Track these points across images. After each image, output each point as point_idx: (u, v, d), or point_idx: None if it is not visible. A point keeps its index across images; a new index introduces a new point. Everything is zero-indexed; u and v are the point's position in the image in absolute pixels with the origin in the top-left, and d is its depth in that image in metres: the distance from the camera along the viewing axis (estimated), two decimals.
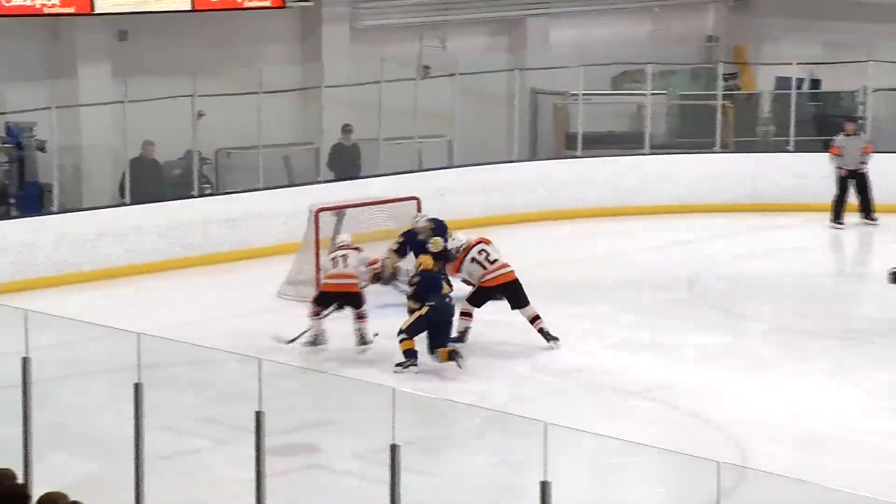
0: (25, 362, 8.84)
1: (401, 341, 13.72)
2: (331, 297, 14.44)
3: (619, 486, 11.00)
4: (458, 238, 14.89)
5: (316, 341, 14.35)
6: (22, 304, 12.46)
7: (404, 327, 13.78)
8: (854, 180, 19.55)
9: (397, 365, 13.65)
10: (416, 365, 13.62)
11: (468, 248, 14.63)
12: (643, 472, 11.08)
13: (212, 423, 11.91)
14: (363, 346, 14.30)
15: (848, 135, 19.64)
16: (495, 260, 14.58)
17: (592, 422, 12.14)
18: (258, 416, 8.00)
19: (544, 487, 7.12)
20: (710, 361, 14.24)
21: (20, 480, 7.92)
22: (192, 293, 16.70)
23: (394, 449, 7.49)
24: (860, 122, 19.81)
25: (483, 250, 14.62)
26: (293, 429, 11.64)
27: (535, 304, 15.47)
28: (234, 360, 12.99)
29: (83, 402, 12.20)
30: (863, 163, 19.51)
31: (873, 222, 19.51)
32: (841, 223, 19.45)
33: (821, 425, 12.39)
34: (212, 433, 11.60)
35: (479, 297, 14.60)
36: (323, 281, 14.73)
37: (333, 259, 14.57)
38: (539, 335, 14.39)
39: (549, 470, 7.13)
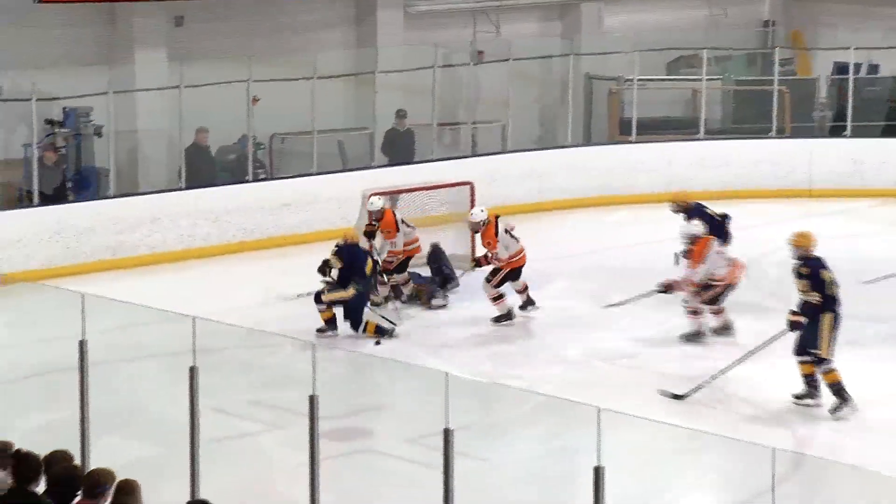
0: (82, 345, 8.92)
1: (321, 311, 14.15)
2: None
3: (673, 473, 10.98)
4: (476, 213, 15.08)
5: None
6: (78, 287, 12.58)
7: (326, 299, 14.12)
8: None
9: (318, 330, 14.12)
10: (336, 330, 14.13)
11: (493, 222, 14.81)
12: (697, 458, 11.06)
13: (265, 406, 11.97)
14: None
15: None
16: (519, 241, 14.89)
17: (645, 407, 12.15)
18: (312, 399, 8.03)
19: (597, 473, 7.12)
20: (765, 347, 14.15)
21: (77, 462, 8.02)
22: (246, 277, 16.78)
23: (447, 433, 7.50)
24: None
25: (507, 225, 14.87)
26: (346, 413, 11.71)
27: (589, 288, 15.51)
28: (288, 344, 13.10)
29: (139, 385, 12.31)
30: None
31: None
32: None
33: (878, 412, 12.30)
34: (265, 417, 11.67)
35: (506, 279, 14.79)
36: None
37: None
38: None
39: (602, 455, 7.12)
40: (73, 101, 17.99)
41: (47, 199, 17.19)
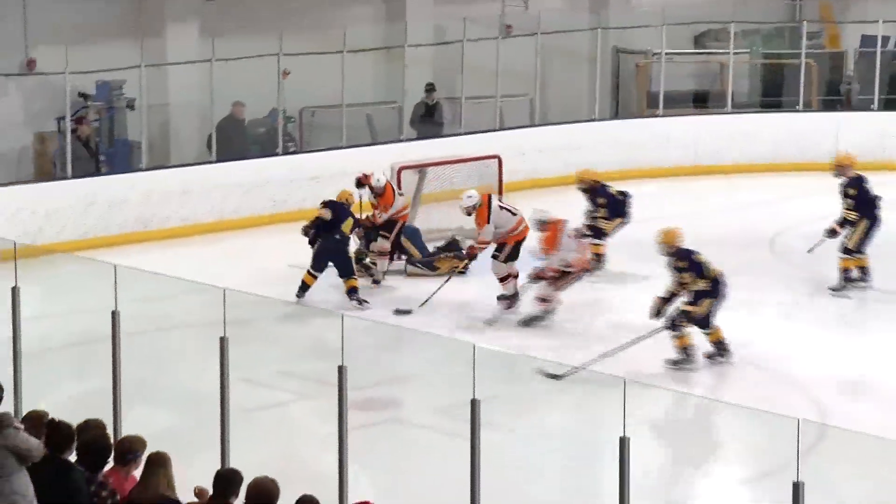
0: (114, 316, 9.04)
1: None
2: None
3: (699, 443, 11.06)
4: (472, 195, 14.73)
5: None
6: (111, 259, 12.72)
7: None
8: None
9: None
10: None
11: (486, 203, 14.47)
12: (723, 428, 11.13)
13: (295, 377, 12.10)
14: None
15: None
16: (518, 214, 14.57)
17: (671, 379, 12.24)
18: (341, 370, 8.13)
19: (623, 443, 7.19)
20: (791, 320, 14.24)
21: (109, 431, 8.16)
22: (277, 249, 16.88)
23: (474, 404, 7.59)
24: None
25: (501, 201, 14.61)
26: (375, 383, 11.82)
27: (617, 261, 15.58)
28: (318, 315, 13.21)
29: (169, 355, 12.45)
30: None
31: None
32: None
33: None
34: (294, 387, 11.79)
35: (513, 253, 14.50)
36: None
37: None
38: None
39: (627, 426, 7.20)
40: (105, 75, 18.10)
41: (80, 172, 17.35)
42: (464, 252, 15.31)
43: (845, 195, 15.20)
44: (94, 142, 17.87)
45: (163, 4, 19.08)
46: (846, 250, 15.06)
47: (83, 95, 18.05)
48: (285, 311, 14.04)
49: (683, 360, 12.67)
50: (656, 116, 21.09)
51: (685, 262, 12.96)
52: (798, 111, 21.19)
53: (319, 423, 10.98)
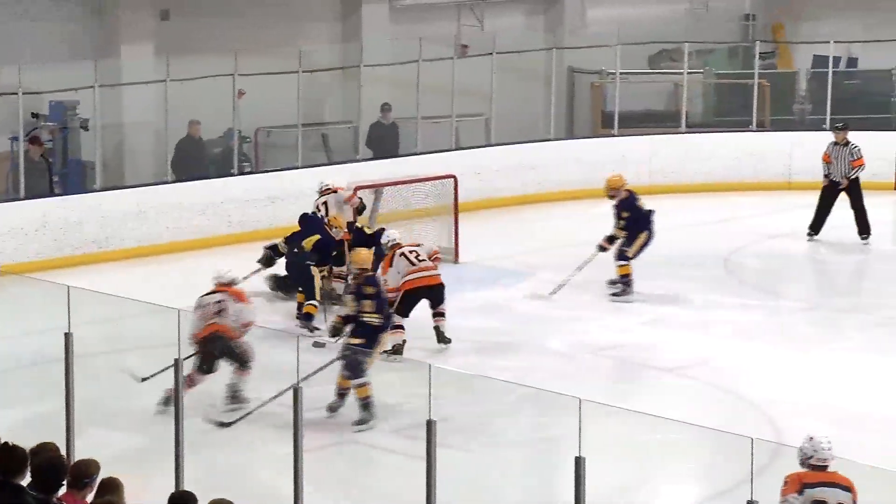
0: (67, 338, 8.99)
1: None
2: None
3: (654, 462, 11.09)
4: (391, 235, 14.08)
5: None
6: (65, 280, 12.64)
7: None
8: (846, 194, 17.53)
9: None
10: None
11: (399, 246, 13.79)
12: (678, 448, 11.17)
13: (251, 398, 12.04)
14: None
15: (836, 143, 17.63)
16: (423, 260, 13.69)
17: (627, 398, 12.28)
18: (296, 391, 8.12)
19: (578, 463, 7.21)
20: (745, 339, 14.31)
21: (62, 454, 8.09)
22: (234, 270, 16.82)
23: (430, 424, 7.59)
24: (847, 129, 17.60)
25: (413, 250, 13.78)
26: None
27: (573, 280, 15.62)
28: (273, 336, 13.18)
29: (124, 377, 12.37)
30: (847, 177, 17.44)
31: (864, 242, 17.47)
32: (810, 234, 17.71)
33: (856, 403, 12.43)
34: (250, 408, 11.73)
35: (405, 302, 13.54)
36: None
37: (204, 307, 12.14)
38: (434, 331, 13.69)
39: (583, 446, 7.22)
40: (59, 95, 18.04)
41: (33, 192, 17.25)
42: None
43: (619, 216, 15.48)
44: (48, 162, 17.78)
45: (118, 24, 19.03)
46: (625, 257, 15.36)
47: (36, 115, 17.96)
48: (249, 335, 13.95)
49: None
50: (611, 136, 21.19)
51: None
52: (751, 131, 21.34)
53: (275, 445, 10.94)
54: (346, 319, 12.33)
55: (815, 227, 17.59)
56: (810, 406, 12.30)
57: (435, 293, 13.73)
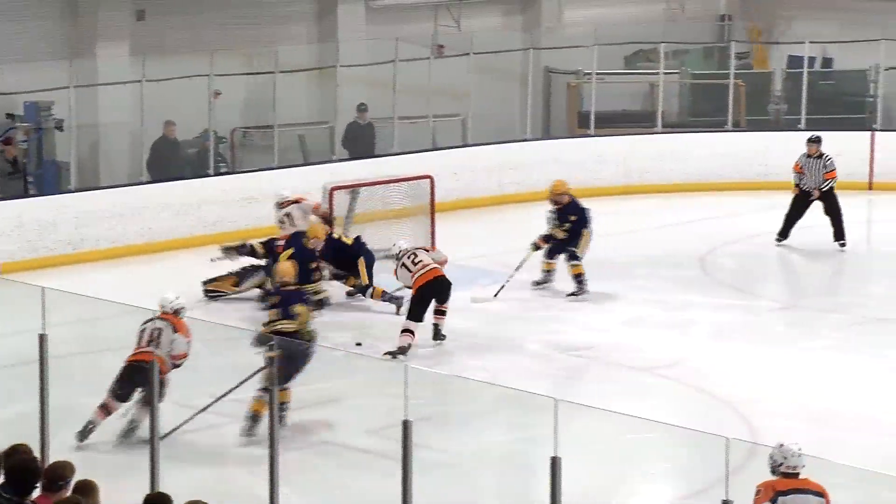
0: (42, 339, 8.96)
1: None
2: None
3: (630, 462, 11.11)
4: (400, 245, 14.22)
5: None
6: (40, 281, 12.61)
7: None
8: (821, 202, 17.49)
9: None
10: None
11: (402, 255, 13.99)
12: (653, 448, 11.19)
13: (226, 399, 12.01)
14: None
15: (809, 155, 17.56)
16: (419, 262, 13.88)
17: (604, 398, 12.26)
18: (271, 393, 8.11)
19: (554, 463, 7.22)
20: (722, 338, 14.35)
21: (36, 455, 8.06)
22: (209, 271, 16.81)
23: (406, 425, 7.59)
24: (820, 142, 17.58)
25: (412, 254, 13.97)
26: (306, 406, 11.77)
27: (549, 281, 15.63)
28: (249, 337, 13.13)
29: (99, 378, 12.33)
30: (820, 189, 17.41)
31: (841, 248, 17.44)
32: (778, 240, 17.65)
33: (832, 402, 12.48)
34: (226, 410, 11.71)
35: (415, 306, 13.80)
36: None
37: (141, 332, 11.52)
38: (432, 328, 13.89)
39: (559, 446, 7.23)
40: (34, 96, 17.97)
41: (8, 193, 17.17)
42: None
43: (566, 220, 15.60)
44: (22, 163, 17.71)
45: (93, 25, 18.97)
46: (576, 257, 15.50)
47: (11, 116, 17.90)
48: (216, 334, 13.93)
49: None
50: (588, 136, 21.21)
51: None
52: (727, 131, 21.39)
53: (251, 447, 10.93)
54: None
55: (784, 233, 17.61)
56: (786, 405, 12.34)
57: (439, 287, 13.84)
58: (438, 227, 17.18)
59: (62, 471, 7.66)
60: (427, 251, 14.51)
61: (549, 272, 15.76)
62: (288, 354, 10.51)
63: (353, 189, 16.95)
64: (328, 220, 15.66)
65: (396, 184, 17.31)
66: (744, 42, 23.79)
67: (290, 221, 15.50)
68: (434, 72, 20.17)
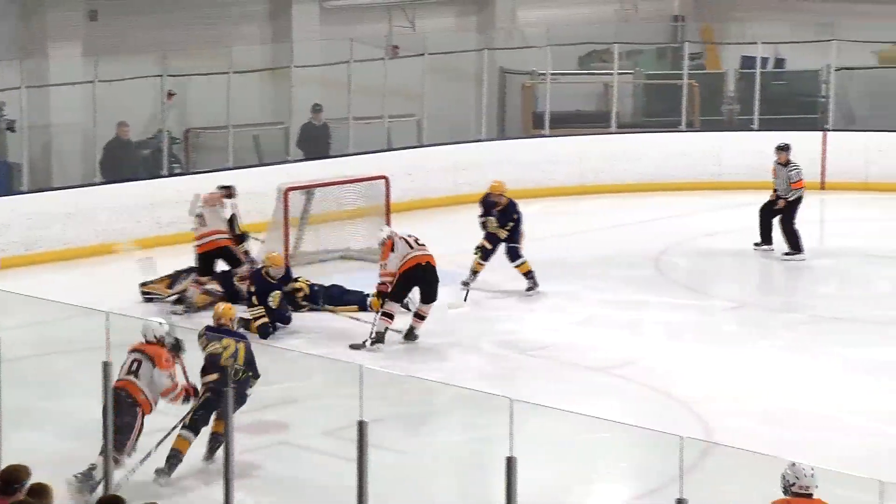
0: None
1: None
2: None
3: (585, 462, 11.15)
4: (385, 230, 14.57)
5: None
6: None
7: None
8: (780, 209, 17.25)
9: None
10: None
11: (389, 243, 14.12)
12: (609, 447, 11.23)
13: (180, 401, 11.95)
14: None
15: (779, 163, 17.34)
16: (422, 245, 14.14)
17: (559, 398, 12.28)
18: (227, 393, 8.09)
19: (510, 463, 7.24)
20: (676, 338, 14.42)
21: None
22: (162, 272, 16.73)
23: (361, 425, 7.59)
24: (790, 149, 17.27)
25: (411, 235, 14.27)
26: (261, 406, 11.74)
27: (502, 281, 15.65)
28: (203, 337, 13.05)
29: (52, 380, 12.28)
30: (786, 198, 17.17)
31: (784, 257, 17.25)
32: (757, 245, 17.47)
33: (785, 401, 12.56)
34: (180, 412, 11.66)
35: (400, 285, 13.99)
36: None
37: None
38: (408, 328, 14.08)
39: (515, 446, 7.25)
40: None
41: None
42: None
43: (509, 219, 15.67)
44: None
45: (45, 24, 18.85)
46: (520, 254, 15.71)
47: None
48: (171, 335, 13.87)
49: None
50: (542, 136, 21.26)
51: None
52: (681, 131, 21.50)
53: (205, 447, 10.88)
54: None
55: (765, 239, 17.45)
56: (739, 404, 12.42)
57: (428, 278, 14.02)
58: (394, 227, 17.14)
59: (17, 474, 7.62)
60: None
61: (476, 273, 15.73)
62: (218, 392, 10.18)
63: (308, 190, 16.92)
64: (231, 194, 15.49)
65: (351, 184, 17.29)
66: (697, 42, 23.91)
67: (200, 222, 15.35)
68: (389, 72, 20.16)
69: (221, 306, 11.78)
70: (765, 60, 22.21)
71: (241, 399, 10.29)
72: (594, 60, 23.30)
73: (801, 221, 17.54)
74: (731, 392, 12.76)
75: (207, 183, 18.57)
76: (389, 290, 13.97)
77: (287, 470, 11.11)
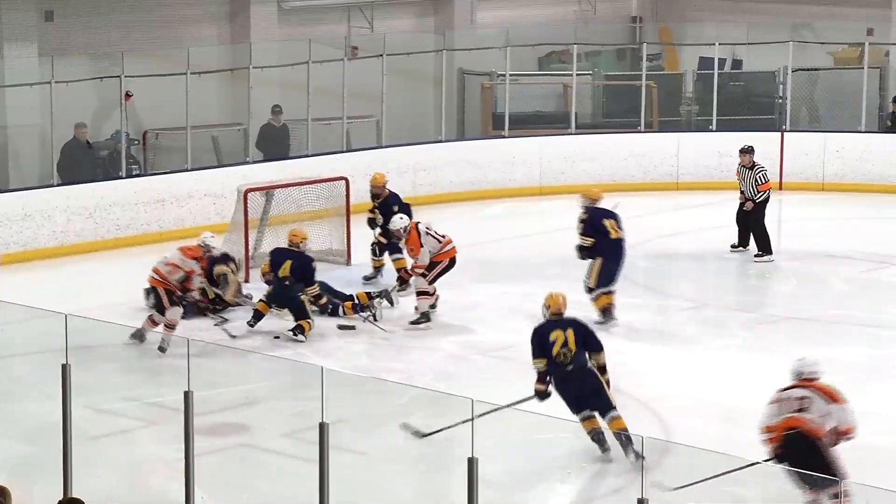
0: None
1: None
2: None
3: (546, 462, 11.17)
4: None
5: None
6: None
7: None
8: (750, 212, 17.19)
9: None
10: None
11: (414, 228, 14.76)
12: (569, 447, 11.26)
13: (140, 403, 11.94)
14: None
15: (743, 165, 17.30)
16: (444, 235, 14.84)
17: (519, 398, 12.33)
18: (187, 395, 8.07)
19: (471, 464, 7.25)
20: (634, 337, 14.46)
21: None
22: (121, 274, 16.67)
23: (322, 427, 7.59)
24: (754, 151, 17.24)
25: (428, 226, 14.86)
26: (222, 408, 11.72)
27: (463, 281, 15.66)
28: (162, 340, 13.04)
29: (10, 383, 12.20)
30: (755, 201, 17.13)
31: (756, 258, 17.23)
32: (734, 247, 17.46)
33: (743, 400, 12.59)
34: (140, 413, 11.63)
35: (440, 274, 14.75)
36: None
37: None
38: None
39: (475, 446, 7.25)
40: None
41: None
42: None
43: (393, 211, 15.77)
44: None
45: (0, 25, 18.73)
46: (400, 249, 15.77)
47: None
48: (129, 337, 13.83)
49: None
50: (502, 137, 21.30)
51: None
52: (639, 132, 21.58)
53: (166, 450, 10.85)
54: None
55: (742, 241, 17.43)
56: (698, 403, 12.48)
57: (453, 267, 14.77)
58: (354, 228, 17.17)
59: None
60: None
61: (379, 269, 16.11)
62: None
63: (268, 191, 16.89)
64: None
65: (311, 186, 17.27)
66: (655, 44, 24.02)
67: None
68: (347, 73, 20.15)
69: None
70: (722, 62, 22.34)
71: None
72: (553, 61, 23.37)
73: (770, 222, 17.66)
74: (689, 392, 12.82)
75: (165, 185, 18.56)
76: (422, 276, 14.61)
77: (248, 472, 11.09)
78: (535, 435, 11.04)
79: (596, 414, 10.98)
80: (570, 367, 11.08)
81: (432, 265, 14.77)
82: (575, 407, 11.01)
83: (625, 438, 10.74)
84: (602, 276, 14.69)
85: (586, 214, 14.92)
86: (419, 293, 14.68)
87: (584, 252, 14.81)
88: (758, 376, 13.32)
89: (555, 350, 11.13)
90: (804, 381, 9.89)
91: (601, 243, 14.71)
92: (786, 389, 9.89)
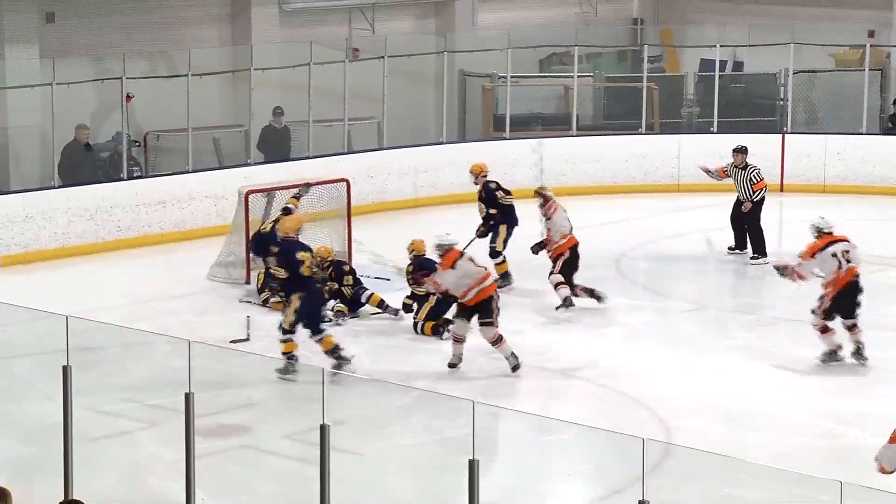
0: None
1: (284, 342, 12.98)
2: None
3: (547, 463, 11.17)
4: (451, 236, 14.07)
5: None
6: None
7: (287, 325, 12.97)
8: (746, 212, 17.15)
9: (279, 371, 12.68)
10: (296, 369, 12.75)
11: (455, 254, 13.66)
12: (570, 448, 11.26)
13: (141, 405, 11.94)
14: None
15: (736, 166, 17.23)
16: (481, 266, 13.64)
17: (520, 400, 12.36)
18: (187, 397, 8.06)
19: (472, 465, 7.24)
20: (636, 339, 14.46)
21: None
22: (122, 275, 16.68)
23: (323, 429, 7.58)
24: (746, 151, 17.16)
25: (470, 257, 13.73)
26: (222, 410, 11.72)
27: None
28: (163, 341, 13.04)
29: (12, 385, 12.20)
30: (752, 200, 17.12)
31: (752, 260, 17.21)
32: (730, 249, 17.47)
33: (742, 401, 12.63)
34: (141, 415, 11.63)
35: (467, 310, 13.39)
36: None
37: None
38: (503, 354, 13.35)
39: (477, 448, 7.24)
40: None
41: None
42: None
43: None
44: None
45: (1, 26, 18.73)
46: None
47: None
48: (130, 338, 13.83)
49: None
50: (502, 139, 21.30)
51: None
52: (640, 133, 21.58)
53: (167, 451, 10.85)
54: None
55: (739, 244, 17.43)
56: (699, 405, 12.47)
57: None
58: (355, 230, 17.18)
59: None
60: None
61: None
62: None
63: (269, 193, 16.89)
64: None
65: (312, 187, 17.23)
66: (656, 45, 24.02)
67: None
68: (349, 75, 20.15)
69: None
70: (723, 63, 22.34)
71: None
72: (554, 63, 23.36)
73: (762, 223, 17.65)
74: (690, 393, 12.82)
75: (166, 186, 18.56)
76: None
77: (248, 474, 11.09)
78: (535, 436, 11.03)
79: None
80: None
81: (556, 258, 15.24)
82: None
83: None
84: (508, 241, 16.10)
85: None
86: (556, 285, 15.07)
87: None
88: (758, 377, 13.35)
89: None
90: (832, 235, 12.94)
91: (504, 211, 16.45)
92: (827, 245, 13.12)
